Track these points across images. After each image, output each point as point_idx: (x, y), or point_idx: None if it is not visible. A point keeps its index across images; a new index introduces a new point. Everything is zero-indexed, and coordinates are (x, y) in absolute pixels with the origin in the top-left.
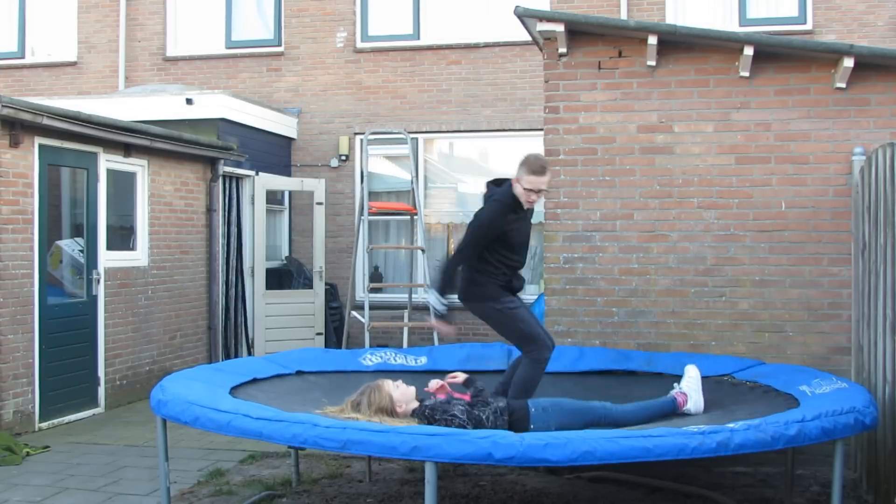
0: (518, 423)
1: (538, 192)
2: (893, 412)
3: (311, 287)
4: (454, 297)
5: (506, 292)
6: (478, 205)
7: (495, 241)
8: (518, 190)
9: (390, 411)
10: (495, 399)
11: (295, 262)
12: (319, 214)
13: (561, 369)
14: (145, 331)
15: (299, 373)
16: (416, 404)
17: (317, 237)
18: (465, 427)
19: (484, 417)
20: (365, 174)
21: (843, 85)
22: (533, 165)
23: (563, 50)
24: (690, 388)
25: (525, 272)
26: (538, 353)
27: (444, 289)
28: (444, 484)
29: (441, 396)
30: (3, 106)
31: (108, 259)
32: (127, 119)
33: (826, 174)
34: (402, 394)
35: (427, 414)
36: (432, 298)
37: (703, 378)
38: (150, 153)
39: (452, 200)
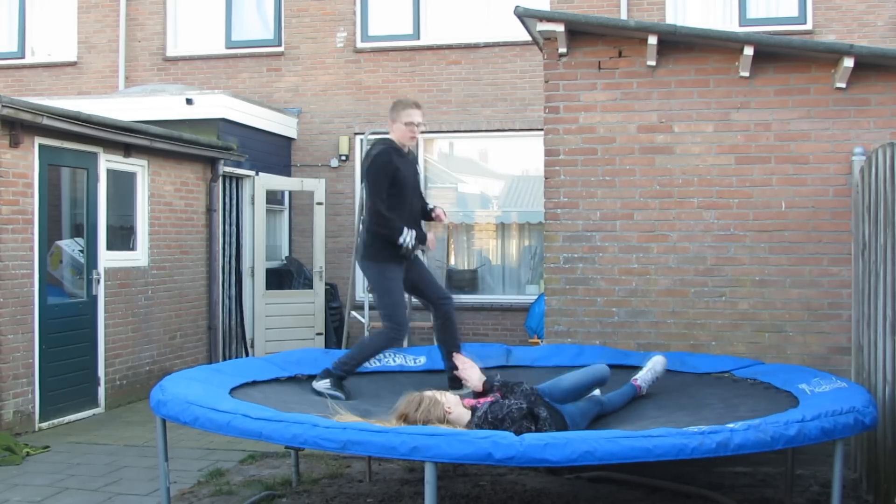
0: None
1: (417, 125)
2: (893, 412)
3: (311, 287)
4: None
5: (392, 262)
6: (477, 204)
7: (390, 189)
8: (397, 131)
9: (443, 419)
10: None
11: (295, 262)
12: (319, 214)
13: (562, 363)
14: (145, 331)
15: (298, 376)
16: (465, 412)
17: (317, 237)
18: (529, 427)
19: (542, 416)
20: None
21: (843, 85)
22: (406, 102)
23: (563, 50)
24: (647, 380)
25: (525, 272)
26: (393, 332)
27: (396, 232)
28: (444, 484)
29: (482, 401)
30: (3, 106)
31: (108, 259)
32: (127, 119)
33: (826, 174)
34: (450, 399)
35: (490, 420)
36: (406, 240)
37: (704, 374)
38: (150, 153)
39: (452, 200)
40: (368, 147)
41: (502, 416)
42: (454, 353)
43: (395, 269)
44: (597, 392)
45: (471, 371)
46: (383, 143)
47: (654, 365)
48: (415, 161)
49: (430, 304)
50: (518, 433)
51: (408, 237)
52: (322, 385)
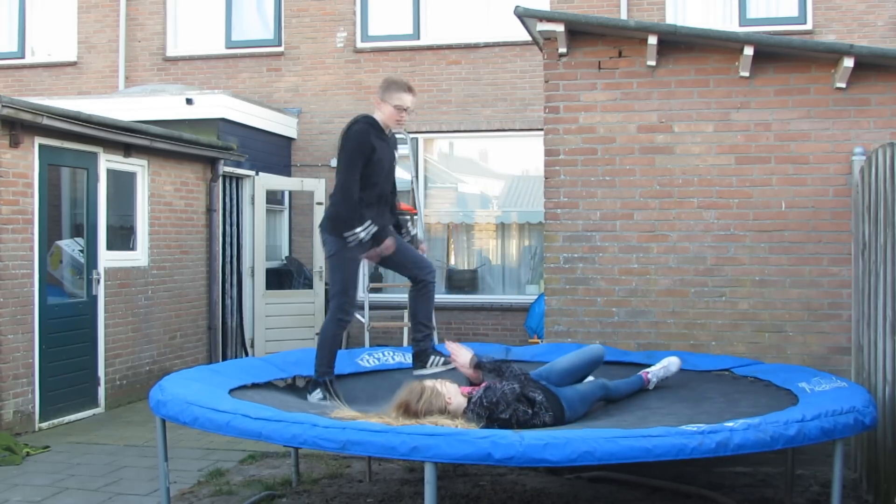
0: (558, 417)
1: (406, 110)
2: (893, 412)
3: (311, 287)
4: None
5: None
6: (477, 204)
7: (364, 168)
8: (385, 111)
9: (444, 410)
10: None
11: (295, 262)
12: (319, 214)
13: None
14: (145, 331)
15: (297, 378)
16: (463, 400)
17: (317, 237)
18: (526, 410)
19: (538, 399)
20: None
21: (843, 85)
22: (399, 84)
23: (563, 50)
24: (659, 375)
25: (525, 272)
26: (338, 311)
27: (354, 221)
28: (444, 484)
29: (476, 389)
30: (3, 106)
31: (108, 259)
32: (127, 119)
33: (826, 174)
34: (450, 389)
35: (485, 404)
36: (360, 233)
37: (704, 372)
38: (150, 153)
39: (452, 200)
40: (350, 121)
41: (496, 400)
42: (445, 341)
43: (355, 247)
44: (590, 378)
45: (462, 354)
46: (365, 120)
47: (668, 364)
48: (394, 144)
49: (410, 279)
50: (513, 416)
51: (363, 233)
52: (316, 397)
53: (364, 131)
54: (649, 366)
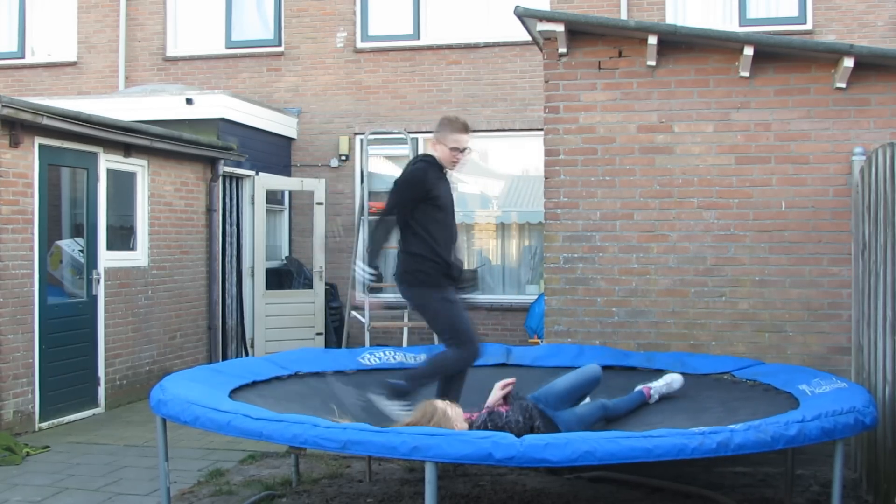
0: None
1: (462, 150)
2: (893, 412)
3: (311, 287)
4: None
5: (446, 280)
6: (477, 204)
7: (426, 205)
8: (441, 152)
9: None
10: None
11: (295, 262)
12: (319, 214)
13: (561, 364)
14: (145, 331)
15: (297, 374)
16: (465, 425)
17: (317, 237)
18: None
19: (536, 425)
20: (365, 174)
21: (843, 85)
22: (455, 124)
23: (563, 50)
24: (661, 391)
25: (525, 272)
26: (466, 352)
27: (371, 257)
28: (444, 484)
29: (476, 415)
30: (3, 106)
31: (108, 259)
32: (127, 119)
33: (826, 174)
34: (457, 414)
35: (490, 428)
36: (359, 271)
37: (703, 376)
38: (150, 153)
39: None
40: (411, 159)
41: (501, 425)
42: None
43: (437, 290)
44: (587, 399)
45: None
46: (424, 159)
47: (671, 381)
48: (450, 182)
49: None
50: None
51: (360, 272)
52: (395, 406)
53: (422, 170)
54: (649, 369)
